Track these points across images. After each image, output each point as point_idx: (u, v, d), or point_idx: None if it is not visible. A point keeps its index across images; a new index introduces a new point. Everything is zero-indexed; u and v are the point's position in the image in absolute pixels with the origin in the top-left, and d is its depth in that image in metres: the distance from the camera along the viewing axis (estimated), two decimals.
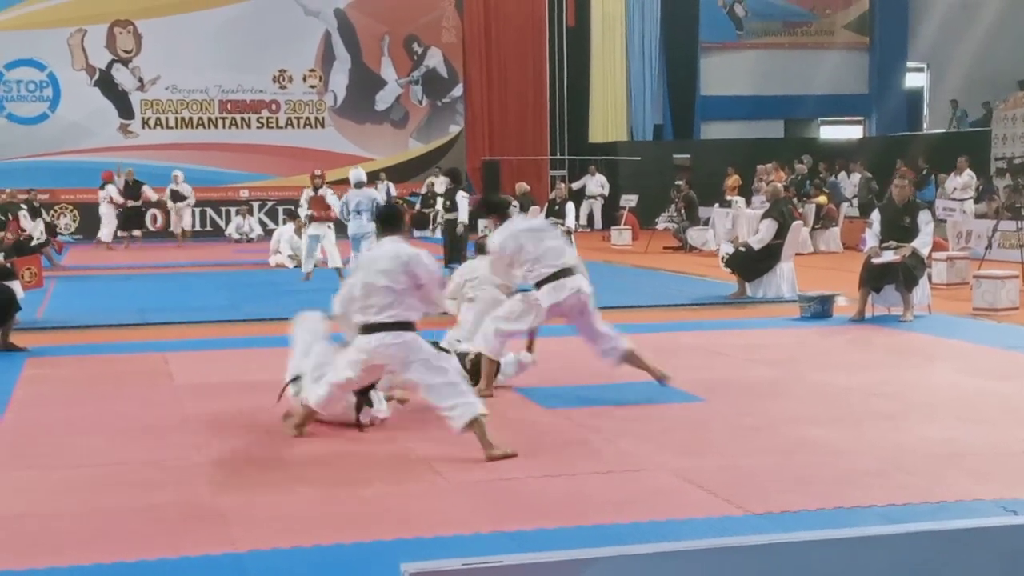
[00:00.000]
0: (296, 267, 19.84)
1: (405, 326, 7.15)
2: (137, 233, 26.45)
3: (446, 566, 2.64)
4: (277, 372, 9.90)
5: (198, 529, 5.64)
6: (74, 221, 28.74)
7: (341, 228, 17.54)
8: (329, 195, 17.81)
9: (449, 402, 6.95)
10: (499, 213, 9.02)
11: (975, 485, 6.17)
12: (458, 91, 31.65)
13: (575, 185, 28.39)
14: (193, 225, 27.99)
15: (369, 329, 7.16)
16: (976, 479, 6.29)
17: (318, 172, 18.58)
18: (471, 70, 31.58)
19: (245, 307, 14.52)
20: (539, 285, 8.51)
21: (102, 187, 26.20)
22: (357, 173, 17.31)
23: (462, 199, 18.25)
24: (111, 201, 25.97)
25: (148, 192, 26.56)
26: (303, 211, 19.26)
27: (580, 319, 8.62)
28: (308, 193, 18.60)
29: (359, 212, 16.47)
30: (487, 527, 5.59)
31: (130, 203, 26.23)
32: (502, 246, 8.67)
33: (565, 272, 8.51)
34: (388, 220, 7.67)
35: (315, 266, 17.44)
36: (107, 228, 26.08)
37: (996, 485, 6.17)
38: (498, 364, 8.72)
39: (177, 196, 26.78)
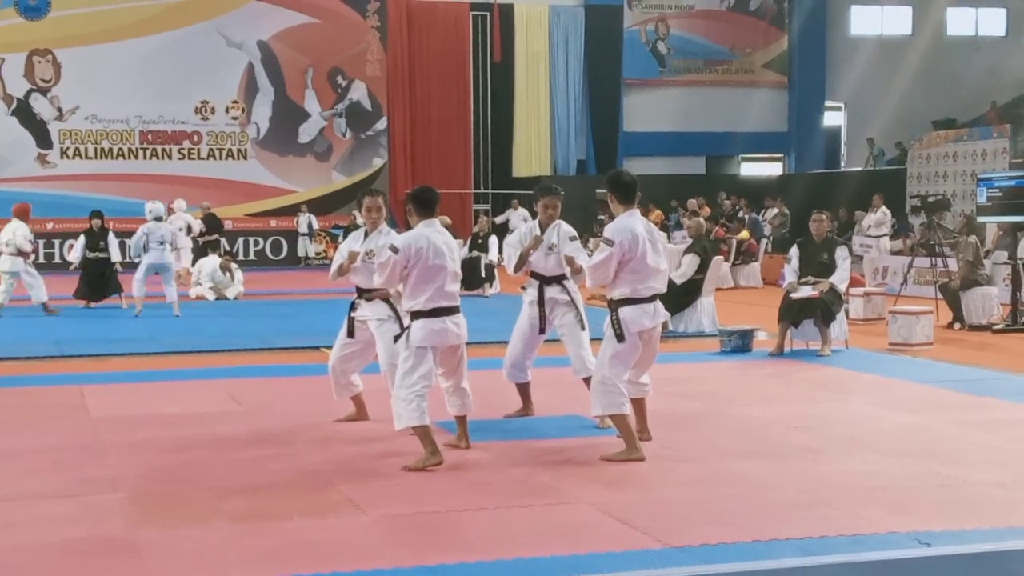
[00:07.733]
0: (217, 299, 19.68)
1: None
2: None
3: None
4: (194, 405, 9.79)
5: (114, 564, 5.55)
6: None
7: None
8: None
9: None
10: None
11: (891, 517, 6.24)
12: (382, 124, 31.64)
13: (498, 219, 28.45)
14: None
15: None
16: (893, 512, 6.37)
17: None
18: (395, 103, 31.58)
19: (163, 339, 14.36)
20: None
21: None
22: (156, 207, 17.81)
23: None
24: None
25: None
26: (8, 248, 17.27)
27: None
28: (25, 229, 17.48)
29: (161, 243, 17.20)
30: (408, 560, 5.55)
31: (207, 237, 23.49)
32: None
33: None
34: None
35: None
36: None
37: (912, 518, 6.24)
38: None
39: (188, 228, 22.67)
